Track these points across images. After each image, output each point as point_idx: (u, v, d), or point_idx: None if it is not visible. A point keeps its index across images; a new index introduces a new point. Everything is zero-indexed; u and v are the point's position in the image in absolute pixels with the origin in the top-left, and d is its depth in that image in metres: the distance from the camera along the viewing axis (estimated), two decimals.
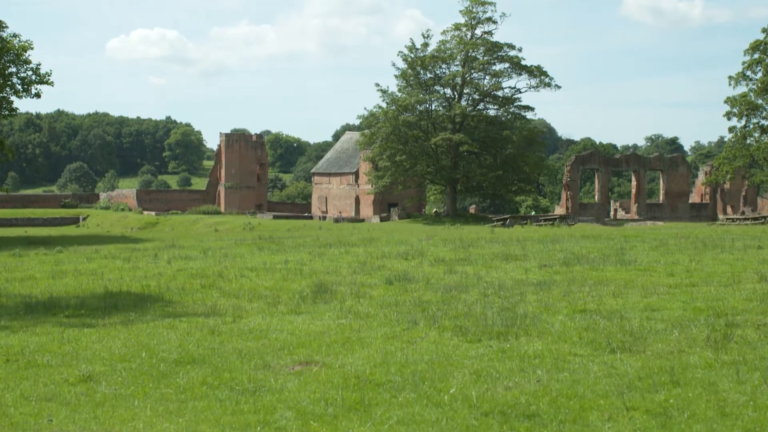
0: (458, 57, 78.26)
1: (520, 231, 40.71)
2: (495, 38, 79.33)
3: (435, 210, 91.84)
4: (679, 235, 29.25)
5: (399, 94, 78.68)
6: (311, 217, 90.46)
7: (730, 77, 69.44)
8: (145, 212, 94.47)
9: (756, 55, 67.95)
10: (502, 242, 26.98)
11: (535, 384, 8.28)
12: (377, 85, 78.33)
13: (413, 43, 78.64)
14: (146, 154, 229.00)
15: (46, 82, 48.41)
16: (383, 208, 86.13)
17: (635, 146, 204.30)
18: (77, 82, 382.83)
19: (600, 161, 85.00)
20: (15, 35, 48.32)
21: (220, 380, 8.94)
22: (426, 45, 78.44)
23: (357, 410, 7.63)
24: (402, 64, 79.14)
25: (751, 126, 70.17)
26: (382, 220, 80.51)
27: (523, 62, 78.35)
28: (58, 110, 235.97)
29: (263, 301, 14.68)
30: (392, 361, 9.51)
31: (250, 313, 13.53)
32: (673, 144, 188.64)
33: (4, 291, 17.07)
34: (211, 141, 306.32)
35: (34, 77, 48.35)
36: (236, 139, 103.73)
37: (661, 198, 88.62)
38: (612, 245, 24.19)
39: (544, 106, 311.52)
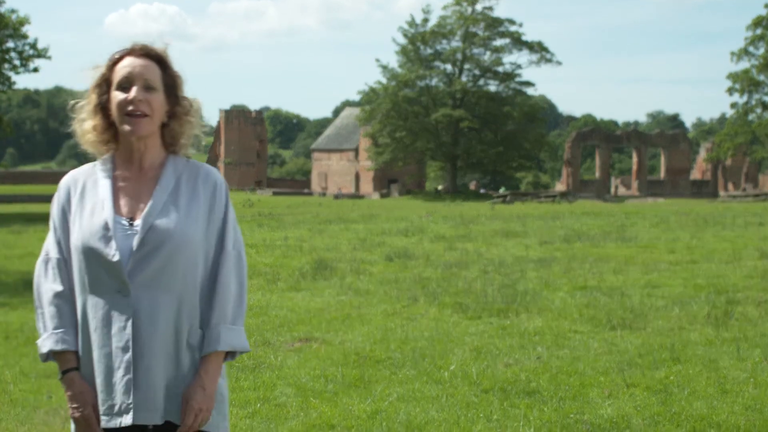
0: (458, 32, 77.84)
1: (521, 208, 40.67)
2: (495, 13, 78.97)
3: (436, 187, 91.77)
4: (680, 211, 29.21)
5: (399, 70, 78.35)
6: (311, 194, 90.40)
7: (732, 53, 69.21)
8: None
9: (758, 31, 67.59)
10: (503, 219, 26.95)
11: (535, 361, 8.26)
12: (377, 60, 77.86)
13: (413, 19, 78.24)
14: None
15: (44, 56, 48.09)
16: (383, 184, 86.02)
17: (636, 122, 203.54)
18: (76, 58, 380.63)
19: (601, 138, 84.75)
20: (13, 10, 47.91)
21: None
22: (426, 20, 78.01)
23: (357, 387, 7.61)
24: (402, 40, 78.79)
25: (753, 102, 69.99)
26: (382, 196, 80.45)
27: (523, 38, 77.99)
28: (57, 86, 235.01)
29: (263, 277, 14.65)
30: (392, 337, 9.49)
31: (249, 289, 13.48)
32: (675, 120, 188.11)
33: (3, 268, 17.04)
34: (211, 117, 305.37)
35: (31, 51, 48.00)
36: (235, 115, 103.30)
37: (662, 174, 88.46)
38: (613, 222, 24.15)
39: (545, 82, 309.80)
